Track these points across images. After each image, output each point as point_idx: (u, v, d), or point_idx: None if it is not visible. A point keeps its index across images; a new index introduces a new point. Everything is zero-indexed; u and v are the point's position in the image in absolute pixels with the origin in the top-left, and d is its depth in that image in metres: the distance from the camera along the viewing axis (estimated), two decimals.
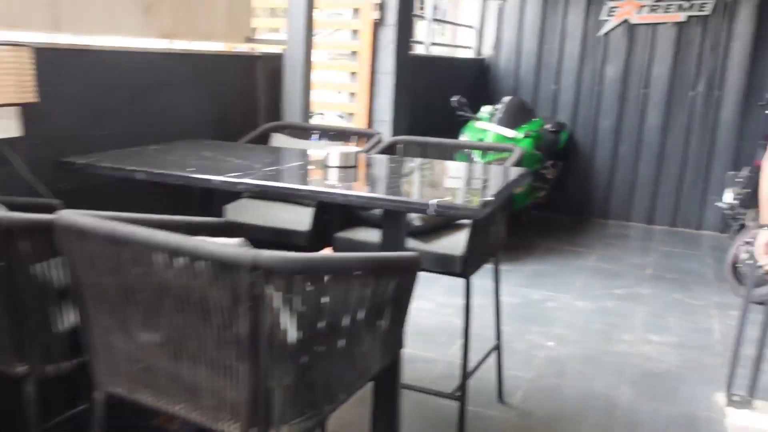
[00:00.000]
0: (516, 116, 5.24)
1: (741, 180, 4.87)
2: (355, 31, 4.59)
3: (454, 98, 5.25)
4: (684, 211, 6.48)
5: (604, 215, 6.76)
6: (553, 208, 6.76)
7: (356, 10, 4.52)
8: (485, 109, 5.41)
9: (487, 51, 6.99)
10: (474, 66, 6.91)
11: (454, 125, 5.32)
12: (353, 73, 4.65)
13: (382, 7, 4.40)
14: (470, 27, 6.98)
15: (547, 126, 5.88)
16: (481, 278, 2.65)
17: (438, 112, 5.43)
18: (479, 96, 6.41)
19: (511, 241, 4.42)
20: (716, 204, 5.47)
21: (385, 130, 4.55)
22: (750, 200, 4.58)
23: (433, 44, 6.14)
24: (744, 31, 6.04)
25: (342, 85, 4.82)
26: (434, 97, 5.42)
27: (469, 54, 7.03)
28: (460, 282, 2.38)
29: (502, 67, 6.94)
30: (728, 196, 4.91)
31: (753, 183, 4.51)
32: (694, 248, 5.84)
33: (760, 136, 5.59)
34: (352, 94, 4.68)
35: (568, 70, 6.66)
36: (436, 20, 6.32)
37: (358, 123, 4.64)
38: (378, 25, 4.46)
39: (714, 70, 6.19)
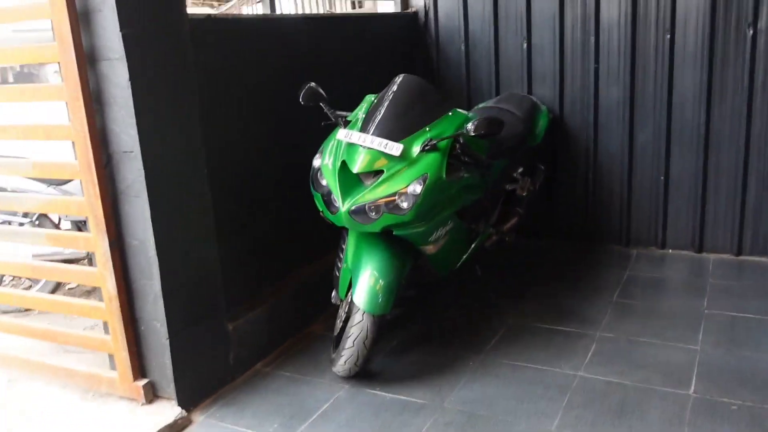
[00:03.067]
0: (410, 113, 2.81)
1: None
2: None
3: (306, 87, 2.90)
4: (755, 228, 3.96)
5: (618, 239, 4.29)
6: (532, 233, 4.34)
7: None
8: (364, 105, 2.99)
9: (417, 1, 4.52)
10: (396, 27, 4.46)
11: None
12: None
13: None
14: None
15: (494, 115, 3.27)
16: None
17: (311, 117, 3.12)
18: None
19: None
20: None
21: (127, 170, 2.28)
22: None
23: None
24: None
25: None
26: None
27: (388, 7, 4.56)
28: None
29: (443, 23, 4.47)
30: None
31: None
32: None
33: None
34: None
35: (543, 15, 4.15)
36: None
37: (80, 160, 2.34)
38: None
39: None
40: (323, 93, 2.88)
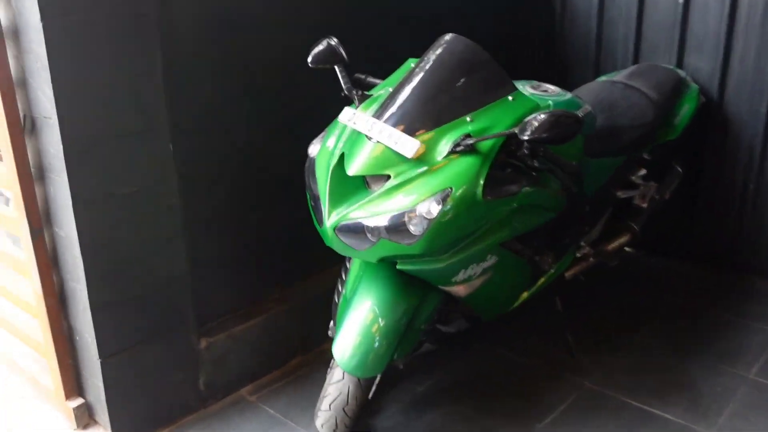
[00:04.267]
0: (448, 94, 1.90)
1: None
2: None
3: (321, 44, 2.08)
4: None
5: None
6: (657, 249, 3.29)
7: None
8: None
9: None
10: None
11: None
12: None
13: None
14: None
15: (570, 112, 1.94)
16: None
17: None
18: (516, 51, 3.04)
19: None
20: None
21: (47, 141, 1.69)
22: None
23: None
24: None
25: None
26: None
27: None
28: None
29: None
30: None
31: None
32: None
33: None
34: None
35: None
36: None
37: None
38: None
39: None
40: (343, 53, 2.05)
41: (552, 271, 2.34)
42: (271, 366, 2.53)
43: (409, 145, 1.76)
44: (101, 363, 2.03)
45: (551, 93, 2.30)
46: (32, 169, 1.95)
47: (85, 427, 2.19)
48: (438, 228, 1.73)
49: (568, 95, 2.34)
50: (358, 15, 2.58)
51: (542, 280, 2.33)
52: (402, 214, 1.74)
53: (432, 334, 2.32)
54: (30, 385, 2.40)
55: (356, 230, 1.80)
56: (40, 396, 2.35)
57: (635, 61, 3.27)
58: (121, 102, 1.90)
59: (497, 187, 1.83)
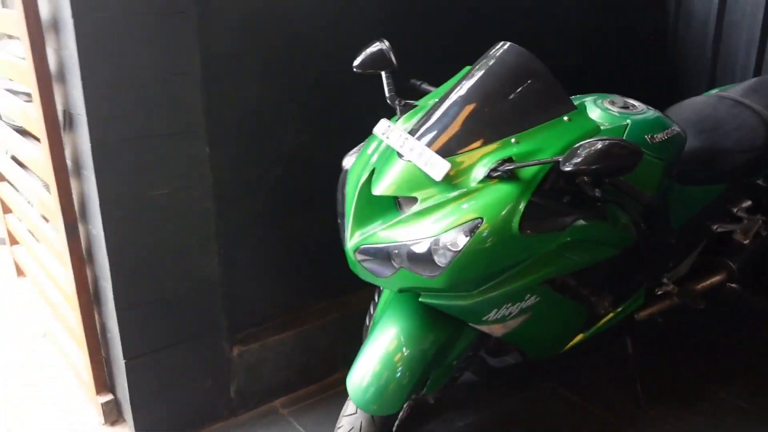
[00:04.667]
0: (494, 110, 1.67)
1: None
2: None
3: (371, 47, 1.89)
4: None
5: None
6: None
7: None
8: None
9: None
10: None
11: None
12: None
13: None
14: None
15: (629, 143, 1.56)
16: None
17: None
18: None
19: None
20: None
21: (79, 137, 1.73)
22: None
23: None
24: None
25: None
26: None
27: None
28: None
29: None
30: None
31: None
32: None
33: None
34: None
35: None
36: None
37: None
38: None
39: None
40: (393, 58, 1.87)
41: (615, 311, 2.06)
42: (309, 380, 2.42)
43: (438, 167, 1.57)
44: (126, 364, 2.00)
45: (633, 111, 2.01)
46: (70, 164, 1.93)
47: (113, 423, 2.19)
48: (464, 262, 1.53)
49: (654, 113, 2.03)
50: (431, 8, 2.39)
51: (602, 321, 2.05)
52: (424, 243, 1.55)
53: (476, 365, 2.12)
54: (74, 375, 2.44)
55: (377, 255, 1.63)
56: (81, 387, 2.38)
57: (757, 73, 2.85)
58: (155, 102, 1.84)
59: (541, 219, 1.60)
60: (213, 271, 2.08)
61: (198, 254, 2.03)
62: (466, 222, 1.53)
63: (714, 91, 2.72)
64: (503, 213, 1.53)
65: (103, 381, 2.16)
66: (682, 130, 2.07)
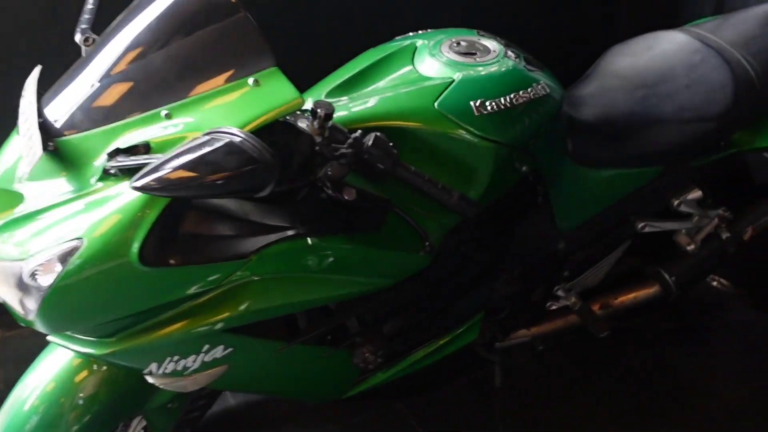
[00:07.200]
0: (144, 69, 1.04)
1: None
2: None
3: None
4: None
5: None
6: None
7: None
8: None
9: None
10: None
11: None
12: None
13: None
14: None
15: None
16: None
17: None
18: None
19: None
20: None
21: None
22: None
23: None
24: None
25: None
26: None
27: None
28: None
29: None
30: None
31: None
32: None
33: None
34: None
35: None
36: None
37: None
38: None
39: None
40: None
41: (426, 350, 1.46)
42: None
43: (30, 155, 1.01)
44: None
45: (478, 59, 1.34)
46: None
47: None
48: (59, 298, 1.00)
49: (508, 65, 1.34)
50: None
51: (400, 365, 1.45)
52: (11, 267, 1.03)
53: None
54: None
55: None
56: None
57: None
58: None
59: (191, 243, 1.03)
60: None
61: None
62: (64, 243, 0.98)
63: (701, 22, 1.91)
64: (112, 233, 0.97)
65: None
66: (554, 90, 1.38)
